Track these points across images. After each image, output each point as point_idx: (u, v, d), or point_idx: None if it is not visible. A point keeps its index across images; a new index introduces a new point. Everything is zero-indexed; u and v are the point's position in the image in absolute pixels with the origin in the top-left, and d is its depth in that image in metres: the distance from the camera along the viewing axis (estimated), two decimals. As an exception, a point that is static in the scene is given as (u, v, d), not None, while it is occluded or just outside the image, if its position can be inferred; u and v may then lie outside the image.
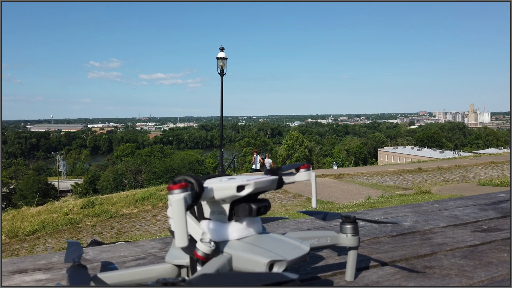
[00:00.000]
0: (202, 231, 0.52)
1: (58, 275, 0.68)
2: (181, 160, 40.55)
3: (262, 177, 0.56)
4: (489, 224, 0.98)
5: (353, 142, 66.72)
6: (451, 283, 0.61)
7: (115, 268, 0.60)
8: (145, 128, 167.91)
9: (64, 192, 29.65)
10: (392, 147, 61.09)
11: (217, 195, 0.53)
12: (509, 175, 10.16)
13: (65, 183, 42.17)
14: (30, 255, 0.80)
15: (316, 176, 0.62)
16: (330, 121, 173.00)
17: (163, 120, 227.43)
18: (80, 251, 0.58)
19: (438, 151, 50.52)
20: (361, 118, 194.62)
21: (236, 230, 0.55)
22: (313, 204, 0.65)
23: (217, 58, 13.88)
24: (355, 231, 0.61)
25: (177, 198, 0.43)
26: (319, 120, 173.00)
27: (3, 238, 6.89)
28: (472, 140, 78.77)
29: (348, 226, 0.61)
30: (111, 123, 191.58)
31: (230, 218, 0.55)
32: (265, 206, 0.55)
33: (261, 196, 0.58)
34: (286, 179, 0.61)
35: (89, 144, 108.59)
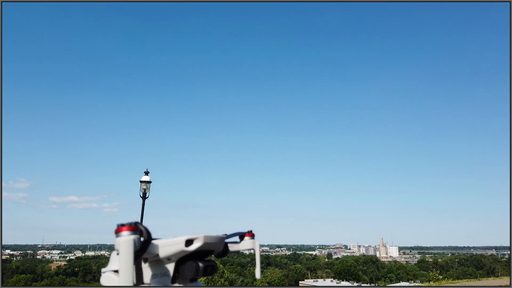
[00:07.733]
0: None
1: None
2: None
3: (210, 235, 0.50)
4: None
5: (275, 274, 65.71)
6: None
7: None
8: (48, 256, 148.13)
9: None
10: (312, 280, 61.25)
11: (163, 252, 0.45)
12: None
13: None
14: None
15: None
16: (252, 251, 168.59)
17: (70, 248, 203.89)
18: None
19: (355, 284, 51.71)
20: (282, 248, 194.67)
21: None
22: (257, 274, 0.59)
23: (141, 182, 13.59)
24: None
25: (126, 239, 0.36)
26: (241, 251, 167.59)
27: None
28: (385, 273, 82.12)
29: None
30: (7, 251, 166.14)
31: (173, 281, 0.48)
32: (211, 266, 0.49)
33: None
34: (231, 246, 0.56)
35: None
